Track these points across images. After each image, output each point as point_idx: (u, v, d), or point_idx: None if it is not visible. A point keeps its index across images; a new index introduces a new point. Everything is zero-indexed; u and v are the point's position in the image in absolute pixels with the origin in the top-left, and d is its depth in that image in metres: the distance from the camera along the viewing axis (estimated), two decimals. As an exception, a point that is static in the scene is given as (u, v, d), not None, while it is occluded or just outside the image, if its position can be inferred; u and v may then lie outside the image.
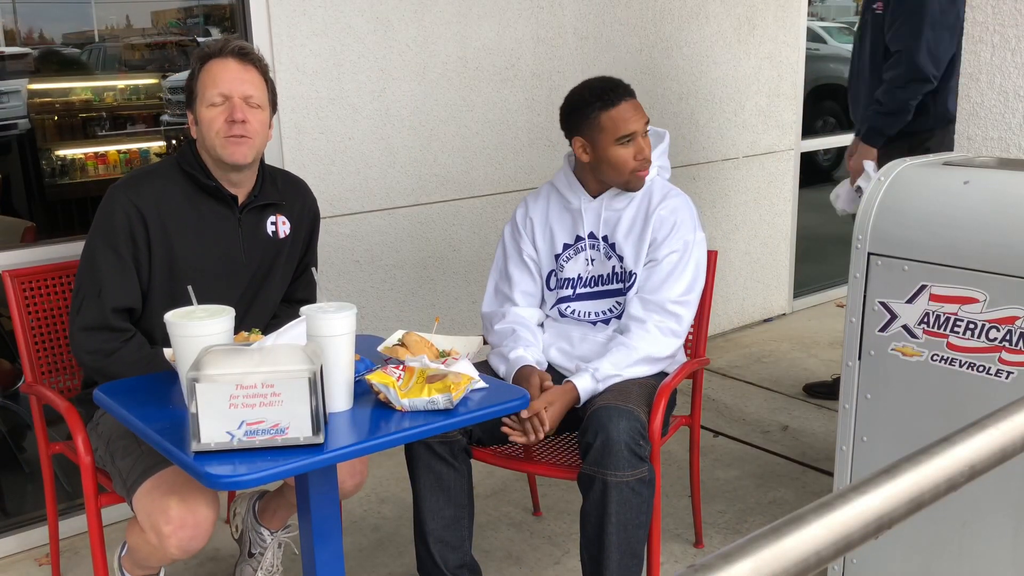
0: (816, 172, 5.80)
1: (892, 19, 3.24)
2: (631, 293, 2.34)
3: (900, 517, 0.91)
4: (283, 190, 2.27)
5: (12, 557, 2.78)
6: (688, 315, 2.34)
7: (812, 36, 5.95)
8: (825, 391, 3.78)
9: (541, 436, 2.15)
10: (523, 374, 2.24)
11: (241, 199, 2.19)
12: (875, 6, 3.30)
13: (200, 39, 4.06)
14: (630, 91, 2.32)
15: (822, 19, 6.30)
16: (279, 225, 2.26)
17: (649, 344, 2.27)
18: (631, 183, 2.32)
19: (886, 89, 3.26)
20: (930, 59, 3.18)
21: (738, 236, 4.59)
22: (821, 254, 5.28)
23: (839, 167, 6.32)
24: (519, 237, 2.45)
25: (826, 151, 5.71)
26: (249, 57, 2.09)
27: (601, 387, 2.23)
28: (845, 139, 5.58)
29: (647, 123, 2.31)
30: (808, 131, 4.93)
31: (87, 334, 2.07)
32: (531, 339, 2.37)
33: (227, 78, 2.06)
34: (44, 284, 2.42)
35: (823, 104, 6.68)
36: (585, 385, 2.22)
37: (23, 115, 4.80)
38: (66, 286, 2.46)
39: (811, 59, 4.88)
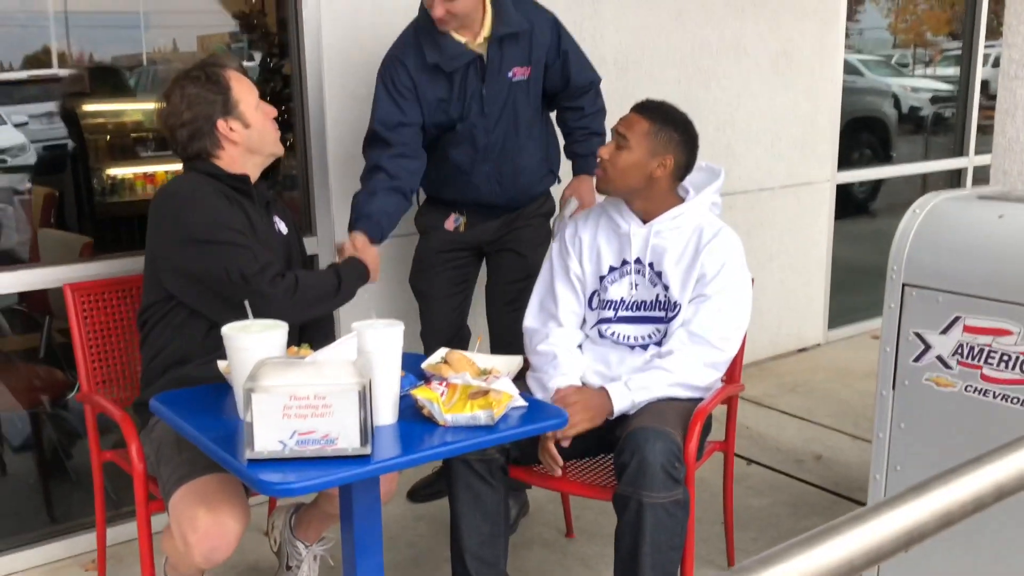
0: (852, 203, 5.80)
1: (559, 65, 2.88)
2: (675, 324, 2.36)
3: (929, 532, 0.95)
4: (269, 189, 2.45)
5: (60, 562, 2.87)
6: (731, 352, 2.38)
7: (850, 69, 5.97)
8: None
9: (556, 472, 2.28)
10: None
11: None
12: (512, 74, 2.81)
13: (246, 63, 4.18)
14: (637, 105, 2.41)
15: (859, 52, 6.32)
16: (280, 223, 2.41)
17: (687, 372, 2.31)
18: None
19: (600, 116, 3.04)
20: None
21: (773, 265, 4.62)
22: (857, 285, 5.28)
23: (875, 198, 6.32)
24: (567, 255, 2.50)
25: (862, 183, 5.72)
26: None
27: (636, 397, 2.27)
28: (882, 171, 5.61)
29: (611, 134, 2.40)
30: (845, 163, 4.96)
31: (273, 281, 2.15)
32: (571, 365, 2.41)
33: (251, 85, 2.34)
34: (101, 297, 2.52)
35: (860, 136, 6.70)
36: (618, 390, 2.27)
37: (75, 134, 4.95)
38: (121, 299, 2.56)
39: (848, 92, 4.92)
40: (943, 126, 6.10)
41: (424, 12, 2.73)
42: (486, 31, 2.75)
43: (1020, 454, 1.05)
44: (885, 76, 6.65)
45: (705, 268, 2.34)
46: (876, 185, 5.99)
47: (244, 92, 2.30)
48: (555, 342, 2.45)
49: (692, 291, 2.35)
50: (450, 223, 2.98)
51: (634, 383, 2.28)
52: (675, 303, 2.37)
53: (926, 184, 5.69)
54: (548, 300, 2.52)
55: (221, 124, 2.25)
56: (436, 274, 3.02)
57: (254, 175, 2.34)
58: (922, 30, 6.34)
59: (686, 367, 2.30)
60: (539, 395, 2.36)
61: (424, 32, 2.74)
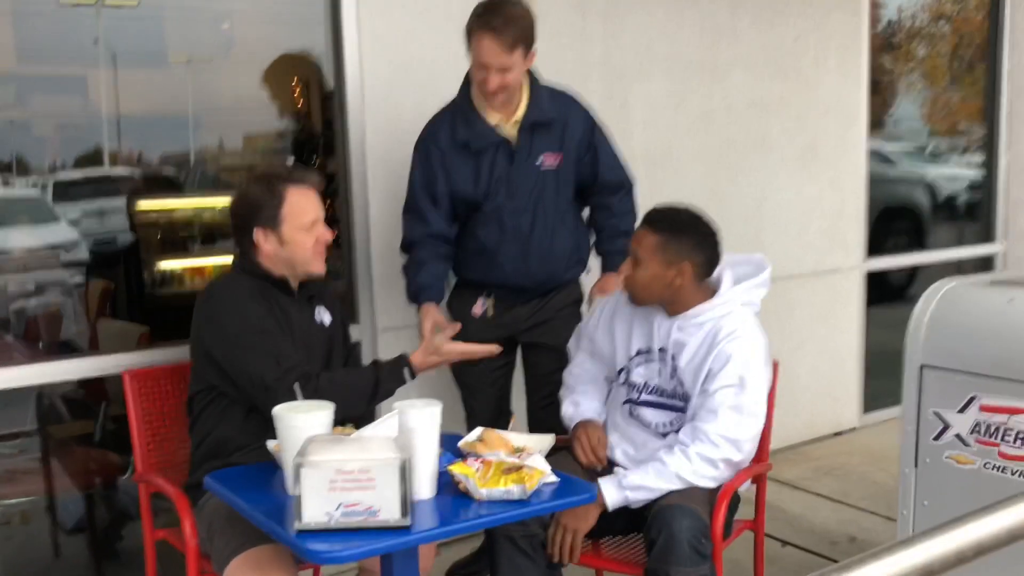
0: (888, 290, 5.85)
1: (588, 159, 2.98)
2: (687, 418, 2.43)
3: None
4: (316, 283, 2.52)
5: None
6: (733, 453, 2.36)
7: (883, 159, 6.09)
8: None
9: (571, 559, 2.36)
10: (584, 425, 2.54)
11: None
12: (541, 161, 2.89)
13: (289, 161, 4.38)
14: (645, 218, 2.52)
15: (895, 141, 6.46)
16: (323, 315, 2.52)
17: (684, 467, 2.33)
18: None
19: (630, 217, 3.05)
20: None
21: (805, 351, 4.69)
22: (893, 370, 5.30)
23: (912, 284, 6.37)
24: (594, 331, 2.67)
25: (899, 269, 5.79)
26: (318, 183, 2.43)
27: (629, 495, 2.32)
28: (910, 259, 5.69)
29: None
30: (879, 250, 5.05)
31: (289, 388, 2.23)
32: (597, 393, 2.64)
33: (312, 207, 2.38)
34: (157, 383, 2.67)
35: (893, 224, 6.78)
36: (610, 490, 2.33)
37: (127, 230, 5.22)
38: (175, 385, 2.70)
39: (881, 181, 5.04)
40: (979, 213, 6.18)
41: (463, 92, 2.87)
42: (519, 114, 2.86)
43: (1002, 514, 1.14)
44: (919, 165, 6.76)
45: (712, 365, 2.37)
46: (912, 272, 6.06)
47: (297, 211, 2.34)
48: (588, 368, 2.68)
49: (700, 387, 2.40)
50: (477, 307, 3.00)
51: (628, 480, 2.34)
52: (688, 395, 2.44)
53: (961, 271, 5.75)
54: (574, 339, 2.76)
55: (258, 232, 2.34)
56: (475, 365, 3.01)
57: (292, 280, 2.42)
58: (955, 120, 6.48)
59: (682, 464, 2.33)
60: (569, 411, 2.58)
61: (459, 110, 2.86)
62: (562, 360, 2.94)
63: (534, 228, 2.93)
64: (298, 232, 2.35)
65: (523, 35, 2.71)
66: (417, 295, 2.87)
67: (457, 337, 2.95)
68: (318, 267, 2.42)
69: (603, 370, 2.66)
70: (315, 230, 2.37)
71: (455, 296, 3.11)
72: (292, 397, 2.18)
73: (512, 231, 2.91)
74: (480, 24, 2.67)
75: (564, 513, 2.32)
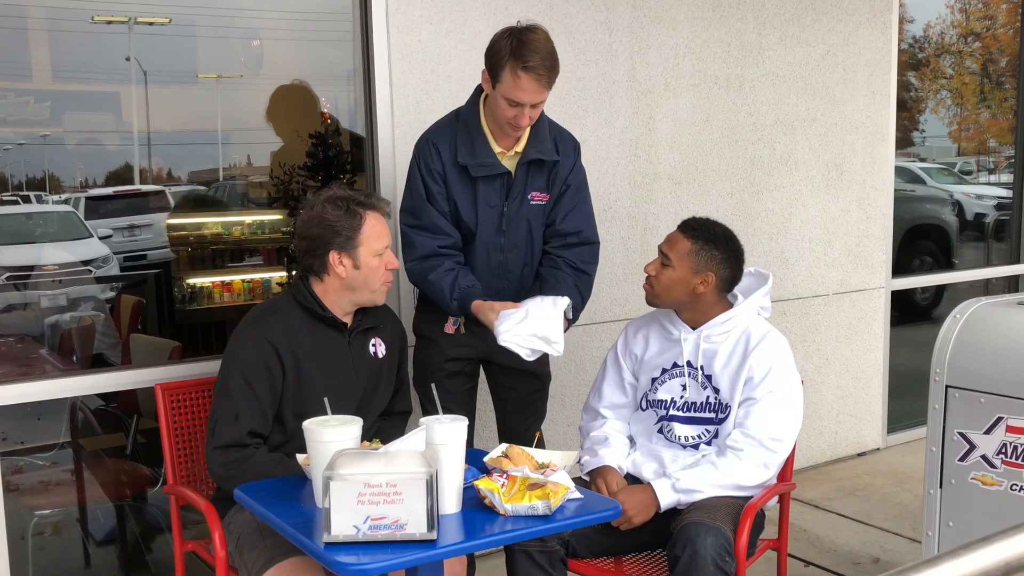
0: (913, 309, 5.83)
1: (562, 204, 2.82)
2: (727, 426, 2.48)
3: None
4: (377, 315, 2.55)
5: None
6: (783, 452, 2.47)
7: (912, 177, 6.05)
8: None
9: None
10: (601, 471, 2.50)
11: (349, 325, 2.49)
12: (531, 197, 2.77)
13: (318, 180, 4.43)
14: (682, 223, 2.57)
15: (923, 159, 6.43)
16: (378, 347, 2.55)
17: (737, 470, 2.41)
18: None
19: (588, 272, 2.86)
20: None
21: (829, 370, 4.68)
22: (917, 390, 5.27)
23: (938, 305, 6.34)
24: (621, 365, 2.68)
25: (924, 289, 5.77)
26: (388, 210, 2.47)
27: (682, 498, 2.38)
28: (936, 278, 5.66)
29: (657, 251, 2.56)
30: (905, 270, 5.02)
31: (222, 451, 2.32)
32: (620, 447, 2.60)
33: (385, 233, 2.44)
34: (188, 396, 2.72)
35: (920, 243, 6.75)
36: (664, 491, 2.39)
37: (158, 247, 5.29)
38: (206, 398, 2.74)
39: (909, 199, 5.02)
40: (1008, 232, 6.15)
41: (470, 106, 2.73)
42: (520, 146, 2.73)
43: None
44: (948, 183, 6.74)
45: (753, 371, 2.46)
46: (939, 292, 6.03)
47: (373, 236, 2.38)
48: (608, 428, 2.65)
49: (741, 393, 2.46)
50: (450, 326, 2.84)
51: (681, 483, 2.39)
52: (726, 405, 2.49)
53: (988, 291, 5.71)
54: (595, 397, 2.72)
55: (333, 255, 2.37)
56: (452, 398, 2.78)
57: (342, 312, 2.45)
58: (984, 138, 6.45)
59: (736, 467, 2.40)
60: (586, 459, 2.56)
61: (463, 127, 2.71)
62: (541, 381, 2.96)
63: (524, 266, 2.83)
64: (372, 257, 2.39)
65: (558, 70, 2.60)
66: (465, 297, 2.64)
67: (430, 354, 2.89)
68: (380, 295, 2.46)
69: (622, 415, 2.69)
70: (386, 257, 2.42)
71: (424, 312, 2.92)
72: (212, 455, 2.32)
73: (499, 266, 2.80)
74: (522, 65, 2.50)
75: (628, 502, 2.36)
